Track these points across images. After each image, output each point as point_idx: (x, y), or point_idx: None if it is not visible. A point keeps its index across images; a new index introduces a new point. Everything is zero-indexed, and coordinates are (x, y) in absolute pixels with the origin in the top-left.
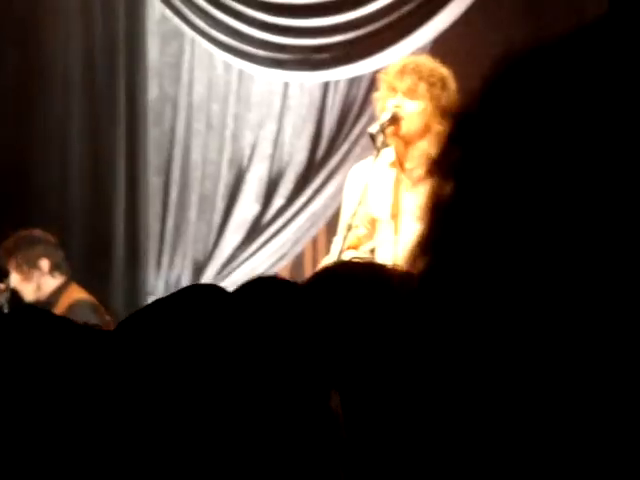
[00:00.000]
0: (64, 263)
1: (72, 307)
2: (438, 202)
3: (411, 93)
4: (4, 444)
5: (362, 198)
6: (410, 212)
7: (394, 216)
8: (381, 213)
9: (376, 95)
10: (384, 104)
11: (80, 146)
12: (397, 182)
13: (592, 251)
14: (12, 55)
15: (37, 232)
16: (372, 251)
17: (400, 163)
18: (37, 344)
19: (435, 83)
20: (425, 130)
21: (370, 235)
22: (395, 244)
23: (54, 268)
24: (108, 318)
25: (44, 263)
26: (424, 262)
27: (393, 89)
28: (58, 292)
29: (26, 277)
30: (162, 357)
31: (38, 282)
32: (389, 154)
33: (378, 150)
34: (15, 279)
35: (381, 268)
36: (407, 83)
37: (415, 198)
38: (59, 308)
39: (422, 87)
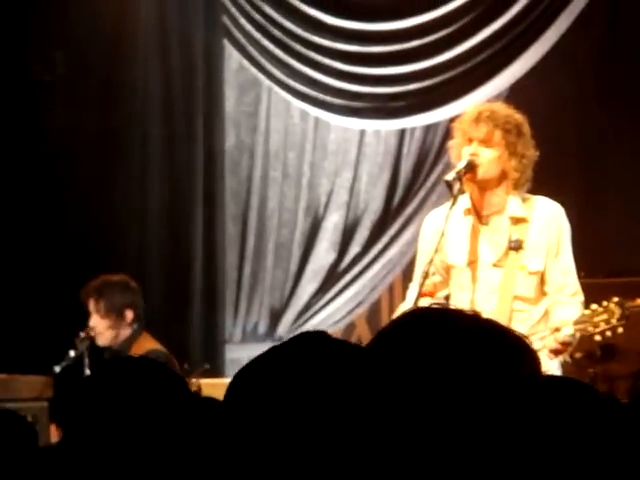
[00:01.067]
0: (143, 313)
1: (147, 356)
2: None
3: (487, 141)
4: None
5: (439, 245)
6: (485, 259)
7: (471, 263)
8: (458, 260)
9: (451, 143)
10: (459, 152)
11: (159, 195)
12: (474, 229)
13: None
14: (94, 110)
15: (125, 278)
16: (447, 298)
17: (476, 210)
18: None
19: (510, 130)
20: (501, 177)
21: (445, 282)
22: (472, 291)
23: (136, 319)
24: (178, 368)
25: (129, 314)
26: None
27: (469, 137)
28: (130, 340)
29: (109, 322)
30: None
31: (118, 330)
32: (465, 201)
33: (455, 197)
34: (96, 321)
35: (460, 313)
36: (483, 131)
37: (489, 245)
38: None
39: (497, 135)
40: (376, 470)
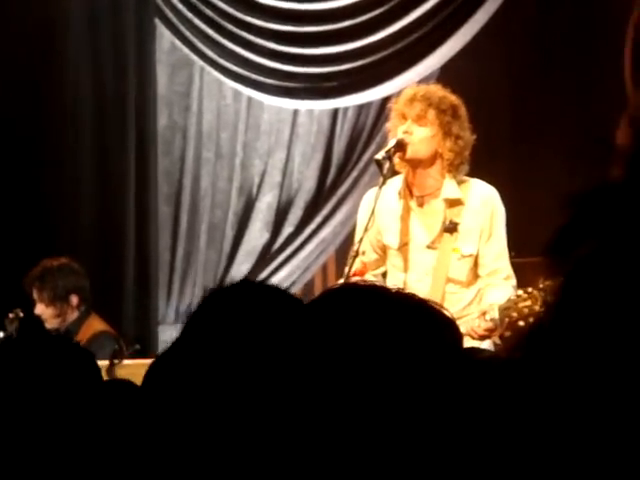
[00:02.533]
0: (89, 294)
1: (95, 338)
2: None
3: (420, 119)
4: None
5: (368, 224)
6: (418, 241)
7: (404, 245)
8: (391, 241)
9: (388, 125)
10: (395, 132)
11: (90, 175)
12: (407, 211)
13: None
14: (24, 87)
15: (65, 261)
16: (384, 275)
17: (410, 191)
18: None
19: (445, 110)
20: (434, 157)
21: (382, 260)
22: (404, 272)
23: (82, 302)
24: (125, 349)
25: (74, 298)
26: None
27: (403, 116)
28: (78, 321)
29: (54, 309)
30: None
31: (64, 315)
32: (399, 182)
33: (384, 177)
34: (41, 308)
35: (385, 290)
36: (416, 110)
37: (423, 227)
38: (80, 337)
39: (431, 113)
40: (303, 442)
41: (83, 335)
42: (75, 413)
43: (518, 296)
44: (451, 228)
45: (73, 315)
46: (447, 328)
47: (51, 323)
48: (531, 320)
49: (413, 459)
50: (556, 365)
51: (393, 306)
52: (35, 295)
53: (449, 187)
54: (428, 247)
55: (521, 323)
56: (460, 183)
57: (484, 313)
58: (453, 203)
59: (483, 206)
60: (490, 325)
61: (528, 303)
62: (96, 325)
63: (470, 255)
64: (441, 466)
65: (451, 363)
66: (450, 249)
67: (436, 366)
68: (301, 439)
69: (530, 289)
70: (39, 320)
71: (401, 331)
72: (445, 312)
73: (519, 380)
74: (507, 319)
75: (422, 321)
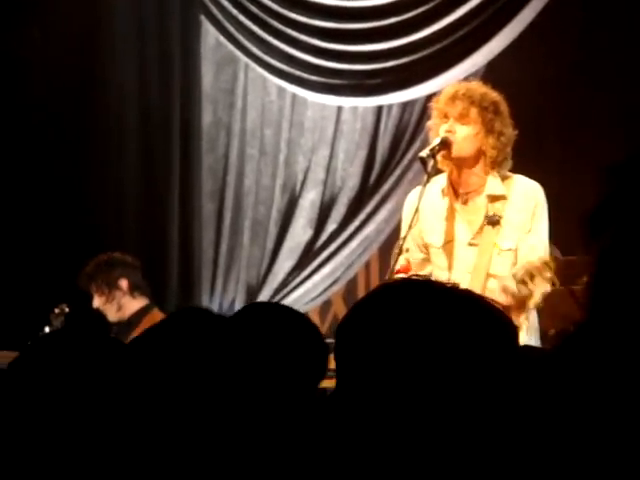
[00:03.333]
0: (144, 284)
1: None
2: None
3: (462, 118)
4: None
5: (412, 222)
6: (461, 238)
7: (447, 243)
8: (434, 240)
9: (429, 123)
10: (437, 131)
11: (135, 172)
12: (450, 209)
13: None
14: (70, 87)
15: (115, 254)
16: (430, 275)
17: (454, 189)
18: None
19: (487, 107)
20: (478, 155)
21: (428, 260)
22: (448, 271)
23: (134, 288)
24: None
25: (123, 283)
26: None
27: (445, 115)
28: (140, 314)
29: (107, 299)
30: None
31: (119, 303)
32: (443, 181)
33: (429, 175)
34: (98, 301)
35: (440, 285)
36: (458, 108)
37: (465, 224)
38: (140, 330)
39: (474, 112)
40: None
41: (143, 327)
42: (96, 404)
43: (530, 262)
44: (494, 221)
45: (131, 304)
46: (503, 324)
47: (112, 316)
48: (542, 285)
49: (466, 453)
50: (596, 363)
51: (450, 301)
52: (91, 290)
53: (492, 183)
54: (470, 244)
55: (532, 287)
56: (504, 179)
57: (505, 289)
58: (496, 198)
59: (526, 200)
60: (504, 285)
61: (540, 269)
62: (158, 318)
63: (509, 249)
64: (495, 458)
65: (508, 359)
66: (491, 245)
67: (494, 362)
68: (365, 422)
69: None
70: (99, 313)
71: (458, 326)
72: (499, 308)
73: (564, 376)
74: (521, 284)
75: (479, 318)
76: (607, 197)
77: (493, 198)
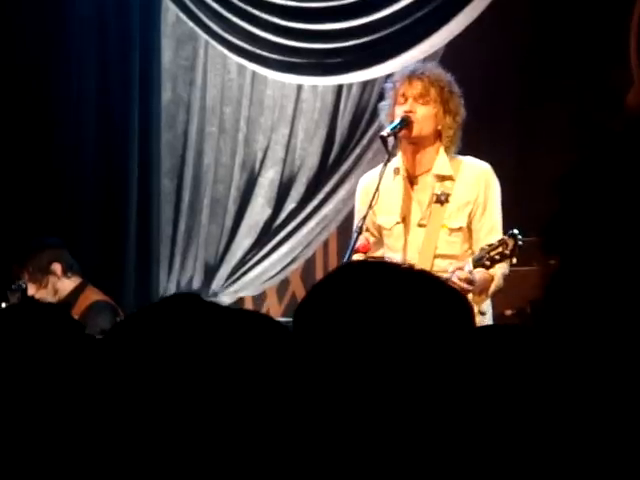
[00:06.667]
0: (75, 263)
1: (90, 308)
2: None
3: (422, 97)
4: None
5: (372, 201)
6: (411, 219)
7: (399, 224)
8: (386, 221)
9: (382, 104)
10: (391, 112)
11: (92, 149)
12: (404, 190)
13: None
14: (30, 58)
15: (41, 239)
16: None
17: (408, 170)
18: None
19: (444, 87)
20: (435, 135)
21: (380, 243)
22: (400, 252)
23: (67, 269)
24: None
25: (57, 267)
26: None
27: (403, 95)
28: (75, 293)
29: (41, 284)
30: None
31: (54, 287)
32: (396, 161)
33: (389, 154)
34: (33, 289)
35: (396, 266)
36: (418, 88)
37: (415, 204)
38: (77, 309)
39: (433, 91)
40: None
41: (80, 307)
42: (61, 381)
43: (490, 245)
44: (442, 200)
45: (64, 284)
46: (458, 302)
47: (43, 297)
48: (502, 266)
49: (423, 430)
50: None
51: (406, 281)
52: (24, 278)
53: (440, 163)
54: (419, 225)
55: (492, 271)
56: (451, 160)
57: (460, 268)
58: (444, 178)
59: (476, 180)
60: (467, 275)
61: (500, 250)
62: (93, 296)
63: (459, 228)
64: (451, 435)
65: (465, 337)
66: (439, 225)
67: (450, 340)
68: (320, 405)
69: (502, 237)
70: (34, 299)
71: (416, 306)
72: (454, 287)
73: (522, 348)
74: (481, 267)
75: (435, 297)
76: (559, 209)
77: (441, 178)
